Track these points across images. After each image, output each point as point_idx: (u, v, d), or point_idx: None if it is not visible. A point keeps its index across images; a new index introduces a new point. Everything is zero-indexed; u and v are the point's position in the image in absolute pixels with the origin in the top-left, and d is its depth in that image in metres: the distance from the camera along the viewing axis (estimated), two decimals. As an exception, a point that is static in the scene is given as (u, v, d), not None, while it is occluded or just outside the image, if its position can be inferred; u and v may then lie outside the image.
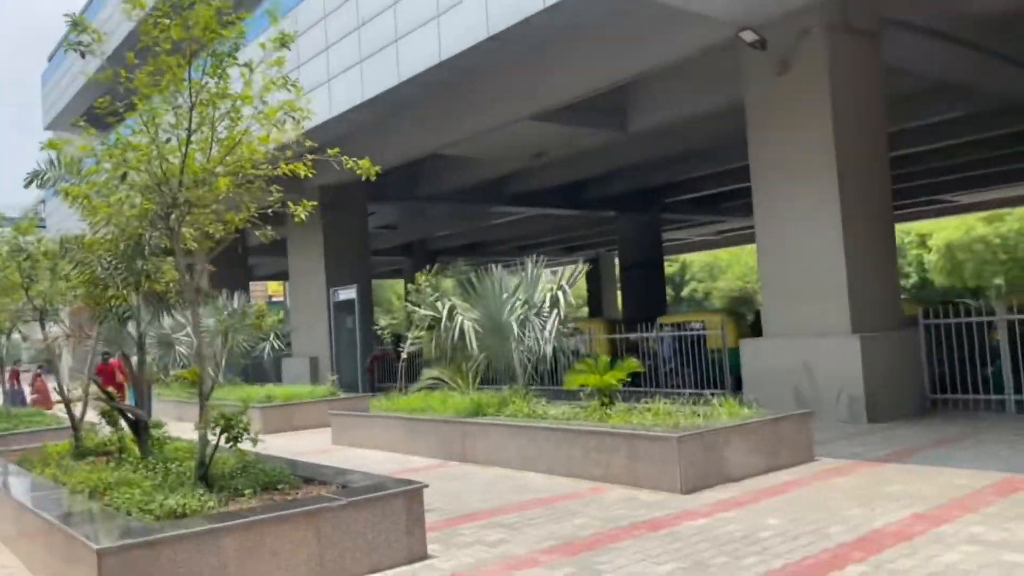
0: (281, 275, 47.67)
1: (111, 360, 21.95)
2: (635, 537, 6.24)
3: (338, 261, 24.05)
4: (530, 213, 34.11)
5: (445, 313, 10.84)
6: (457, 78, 16.00)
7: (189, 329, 20.22)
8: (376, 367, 23.20)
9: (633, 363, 9.91)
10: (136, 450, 8.50)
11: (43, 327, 9.13)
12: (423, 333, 13.39)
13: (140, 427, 7.78)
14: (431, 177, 27.24)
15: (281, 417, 15.56)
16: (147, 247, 7.58)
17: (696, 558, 5.63)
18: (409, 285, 13.36)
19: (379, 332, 14.81)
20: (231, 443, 6.49)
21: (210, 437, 6.55)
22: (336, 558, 5.52)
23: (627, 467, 8.20)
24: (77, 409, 9.45)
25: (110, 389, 14.34)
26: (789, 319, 12.64)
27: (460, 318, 10.66)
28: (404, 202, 28.95)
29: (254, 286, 44.68)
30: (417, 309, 11.62)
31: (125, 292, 7.43)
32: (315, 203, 7.24)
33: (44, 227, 20.85)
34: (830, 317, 12.07)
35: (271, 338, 19.45)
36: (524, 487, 8.51)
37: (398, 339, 25.93)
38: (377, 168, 7.25)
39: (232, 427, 6.44)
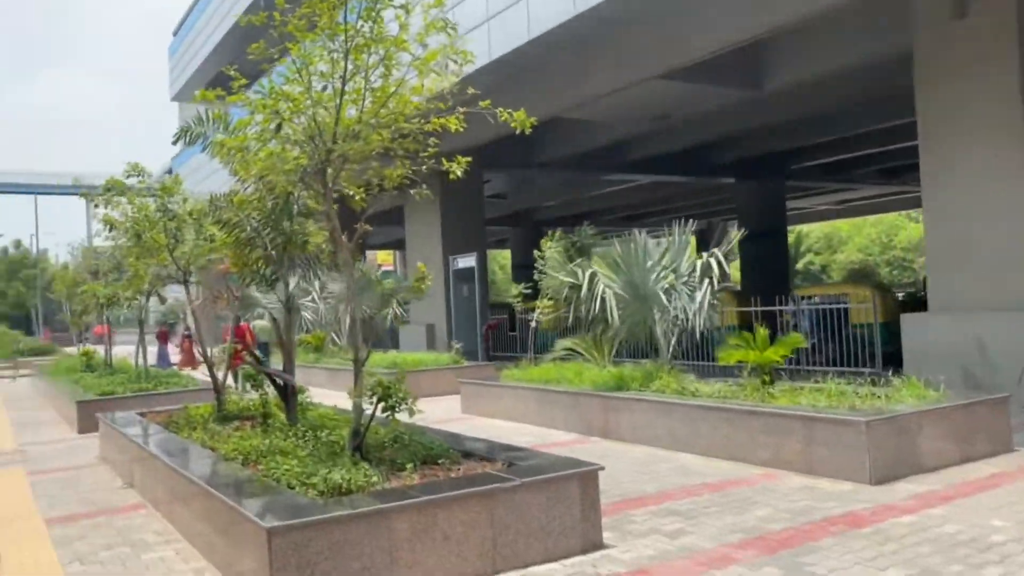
0: (390, 244, 48.19)
1: (242, 323, 22.46)
2: (835, 535, 5.49)
3: (454, 229, 23.78)
4: (643, 181, 32.98)
5: (585, 281, 10.19)
6: (586, 35, 15.20)
7: (314, 294, 20.61)
8: (490, 336, 22.92)
9: (797, 338, 9.05)
10: (281, 416, 8.31)
11: (187, 289, 9.02)
12: (549, 302, 12.87)
13: (288, 392, 7.52)
14: (545, 144, 26.56)
15: (412, 383, 15.33)
16: (295, 206, 7.26)
17: (922, 564, 4.84)
18: (537, 252, 12.80)
19: (510, 300, 14.30)
20: (388, 412, 6.09)
21: (365, 406, 6.19)
22: (509, 543, 5.02)
23: (802, 452, 7.40)
24: (218, 372, 9.37)
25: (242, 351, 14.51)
26: (960, 291, 11.39)
27: (601, 286, 10.00)
28: (515, 170, 28.34)
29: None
30: (555, 276, 11.01)
31: (273, 253, 7.12)
32: (469, 159, 6.70)
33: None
34: (1010, 289, 10.79)
35: (393, 305, 19.31)
36: (683, 469, 7.85)
37: (512, 309, 25.66)
38: (533, 120, 6.68)
39: (390, 395, 6.03)
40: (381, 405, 6.07)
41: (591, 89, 17.54)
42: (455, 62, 5.97)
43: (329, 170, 6.00)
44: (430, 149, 6.54)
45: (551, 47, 15.20)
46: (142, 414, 10.10)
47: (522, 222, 43.75)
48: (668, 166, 29.39)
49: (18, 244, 75.07)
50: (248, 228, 7.07)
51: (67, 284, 21.91)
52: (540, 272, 11.93)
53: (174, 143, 7.06)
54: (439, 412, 13.07)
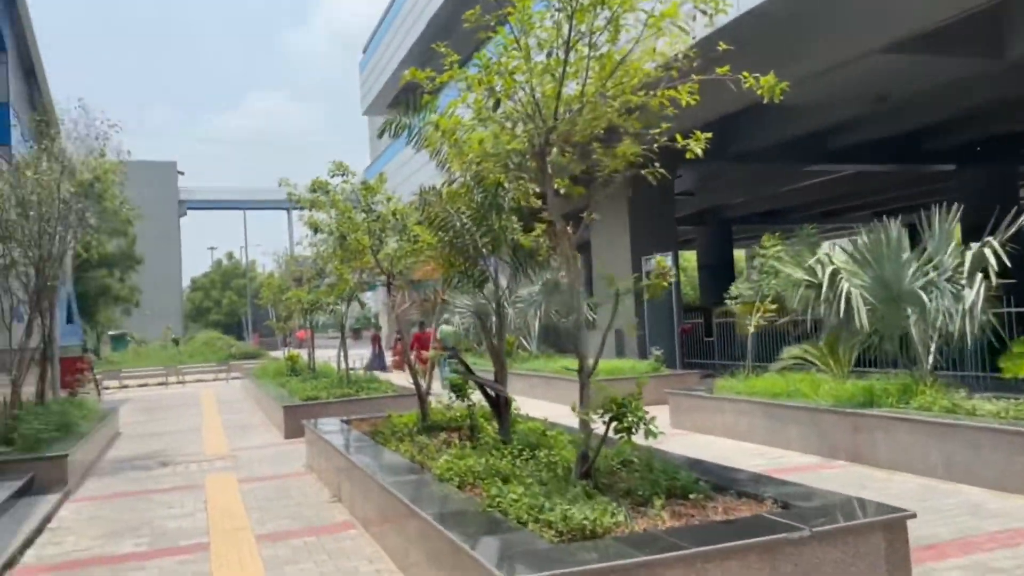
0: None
1: (427, 329, 22.49)
2: None
3: (643, 228, 22.68)
4: (846, 172, 30.19)
5: (826, 278, 8.78)
6: (800, 6, 13.63)
7: (488, 297, 20.17)
8: (684, 341, 21.54)
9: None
10: (489, 429, 7.63)
11: (390, 292, 8.60)
12: (771, 305, 11.50)
13: (501, 405, 6.81)
14: (739, 133, 24.78)
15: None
16: (504, 200, 6.53)
17: None
18: (758, 249, 11.48)
19: (727, 300, 13.06)
20: (621, 434, 5.17)
21: (594, 425, 5.32)
22: (797, 611, 3.93)
23: None
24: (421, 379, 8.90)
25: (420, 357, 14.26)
26: None
27: (845, 285, 8.57)
28: (705, 164, 26.64)
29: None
30: (788, 274, 9.66)
31: (484, 251, 6.44)
32: (710, 135, 5.67)
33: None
34: None
35: (584, 309, 18.51)
36: (975, 507, 6.35)
37: (707, 312, 24.09)
38: (784, 84, 5.56)
39: (625, 414, 5.12)
40: (614, 425, 5.18)
41: (804, 68, 15.82)
42: (704, 12, 4.96)
43: (553, 150, 5.17)
44: (663, 124, 5.58)
45: (762, 21, 13.77)
46: (347, 422, 9.85)
47: (708, 220, 41.61)
48: (877, 154, 26.62)
49: (230, 256, 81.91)
50: (456, 225, 6.43)
51: (273, 291, 22.99)
52: (763, 272, 10.61)
53: (379, 136, 6.56)
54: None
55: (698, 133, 5.63)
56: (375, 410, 12.85)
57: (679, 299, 19.66)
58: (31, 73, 14.49)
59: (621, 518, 4.34)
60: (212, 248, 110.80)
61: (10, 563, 6.04)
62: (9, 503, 7.85)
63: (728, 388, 10.96)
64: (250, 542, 6.36)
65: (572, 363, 15.85)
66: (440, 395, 14.47)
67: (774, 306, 11.14)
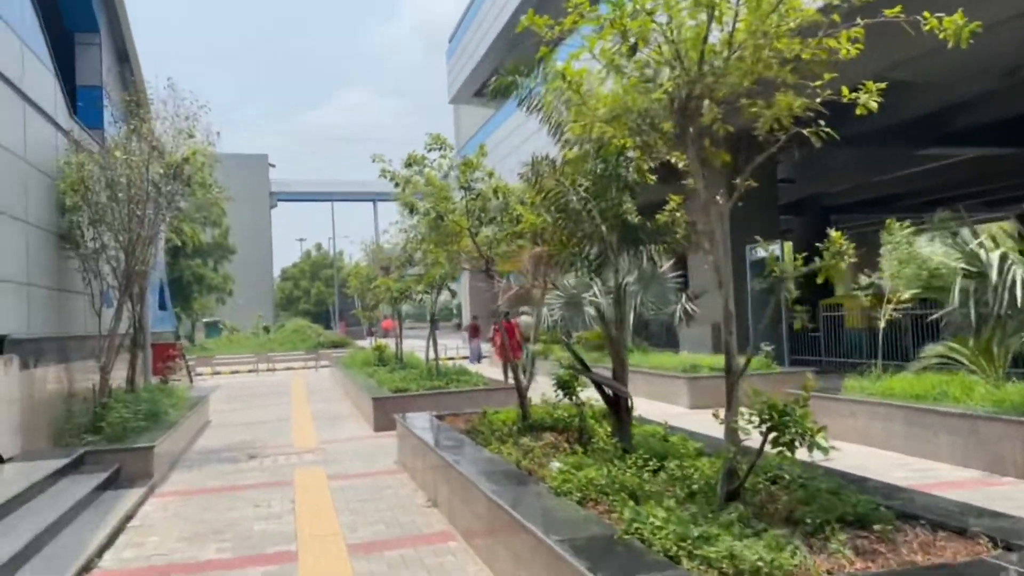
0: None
1: (512, 320, 21.75)
2: None
3: (744, 215, 21.30)
4: (964, 156, 27.96)
5: (995, 265, 7.60)
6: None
7: (596, 288, 19.23)
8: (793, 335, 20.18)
9: None
10: (600, 431, 6.82)
11: (490, 277, 7.87)
12: (904, 295, 10.27)
13: (621, 407, 5.98)
14: (846, 115, 23.12)
15: (710, 391, 13.46)
16: (627, 171, 5.68)
17: None
18: (886, 236, 10.28)
19: (857, 292, 11.85)
20: (781, 449, 4.28)
21: (743, 434, 4.45)
22: None
23: None
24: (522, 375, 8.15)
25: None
26: None
27: (1020, 272, 7.37)
28: (808, 148, 25.01)
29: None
30: (945, 262, 8.48)
31: (603, 229, 5.61)
32: (884, 85, 4.71)
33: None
34: None
35: (683, 300, 17.47)
36: None
37: (814, 306, 22.57)
38: (975, 25, 4.57)
39: (787, 424, 4.22)
40: (773, 436, 4.28)
41: (928, 38, 14.33)
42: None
43: (704, 103, 4.30)
44: (826, 75, 4.66)
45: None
46: (440, 417, 9.21)
47: (807, 210, 39.56)
48: (1002, 137, 24.51)
49: (319, 247, 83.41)
50: (572, 199, 5.62)
51: (360, 280, 22.71)
52: (902, 262, 9.42)
53: (491, 97, 5.79)
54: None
55: (870, 83, 4.69)
56: (466, 404, 12.23)
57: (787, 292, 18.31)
58: (124, 57, 14.40)
59: (803, 559, 3.45)
60: (301, 239, 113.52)
61: (87, 567, 5.58)
62: (94, 495, 7.49)
63: (859, 389, 9.81)
64: (341, 552, 5.73)
65: (669, 359, 14.84)
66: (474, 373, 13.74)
67: (907, 296, 9.92)
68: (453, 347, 32.86)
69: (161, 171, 10.37)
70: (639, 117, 4.83)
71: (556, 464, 5.93)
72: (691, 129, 4.59)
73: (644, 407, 12.03)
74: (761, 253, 17.99)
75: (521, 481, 5.54)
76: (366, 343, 42.80)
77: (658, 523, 3.86)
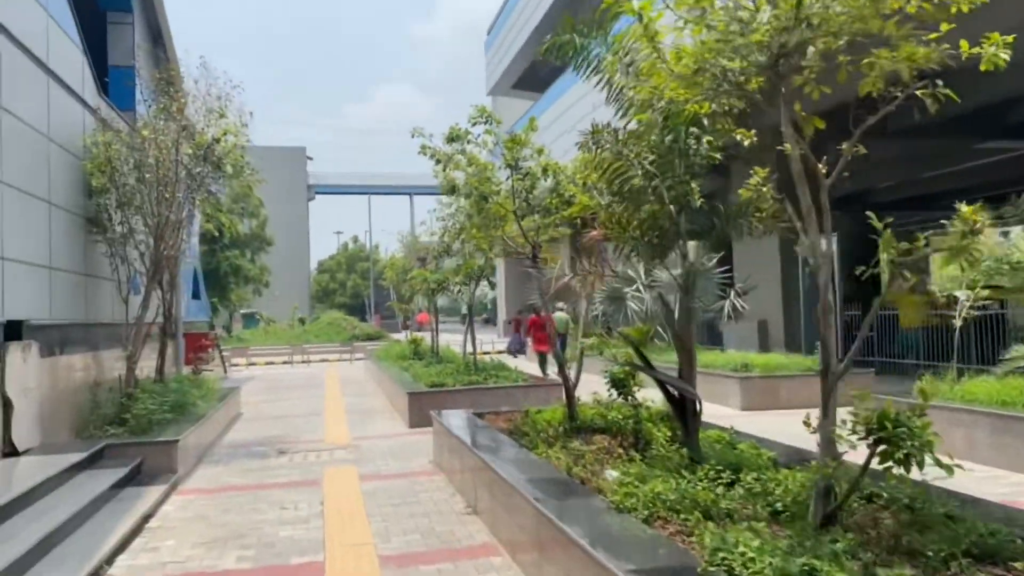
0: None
1: (543, 314, 20.96)
2: None
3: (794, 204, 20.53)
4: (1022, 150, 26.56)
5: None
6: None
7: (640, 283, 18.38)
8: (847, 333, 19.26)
9: None
10: (657, 434, 6.18)
11: (535, 264, 7.25)
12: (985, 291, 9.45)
13: (688, 410, 5.33)
14: (903, 105, 22.02)
15: (764, 392, 12.72)
16: (699, 144, 5.02)
17: None
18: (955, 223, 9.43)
19: (935, 291, 11.03)
20: (891, 465, 3.61)
21: (845, 446, 3.79)
22: None
23: None
24: (569, 370, 7.52)
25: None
26: None
27: None
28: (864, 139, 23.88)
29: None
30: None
31: (672, 209, 4.96)
32: (1011, 38, 4.02)
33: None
34: None
35: (732, 296, 16.67)
36: None
37: (866, 304, 21.61)
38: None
39: (901, 438, 3.55)
40: (881, 449, 3.62)
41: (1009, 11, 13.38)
42: None
43: (809, 50, 3.64)
44: (944, 26, 3.98)
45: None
46: (479, 415, 8.62)
47: (850, 206, 38.17)
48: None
49: (355, 240, 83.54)
50: (637, 174, 4.97)
51: (396, 271, 22.26)
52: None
53: (543, 54, 5.16)
54: (785, 428, 10.29)
55: (995, 35, 4.00)
56: (505, 401, 11.64)
57: (844, 288, 17.44)
58: (157, 38, 14.02)
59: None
60: (338, 232, 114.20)
61: (95, 574, 5.09)
62: (112, 492, 7.04)
63: (934, 394, 8.99)
64: (373, 566, 5.16)
65: (716, 357, 14.08)
66: (555, 380, 13.05)
67: (985, 293, 9.10)
68: (488, 341, 32.35)
69: (191, 152, 9.92)
70: (720, 77, 4.18)
71: (612, 473, 5.31)
72: (783, 88, 3.93)
73: (719, 411, 11.36)
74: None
75: (573, 491, 4.93)
76: (401, 336, 42.52)
77: (750, 553, 3.21)
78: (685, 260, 5.37)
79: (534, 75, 38.09)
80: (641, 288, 16.37)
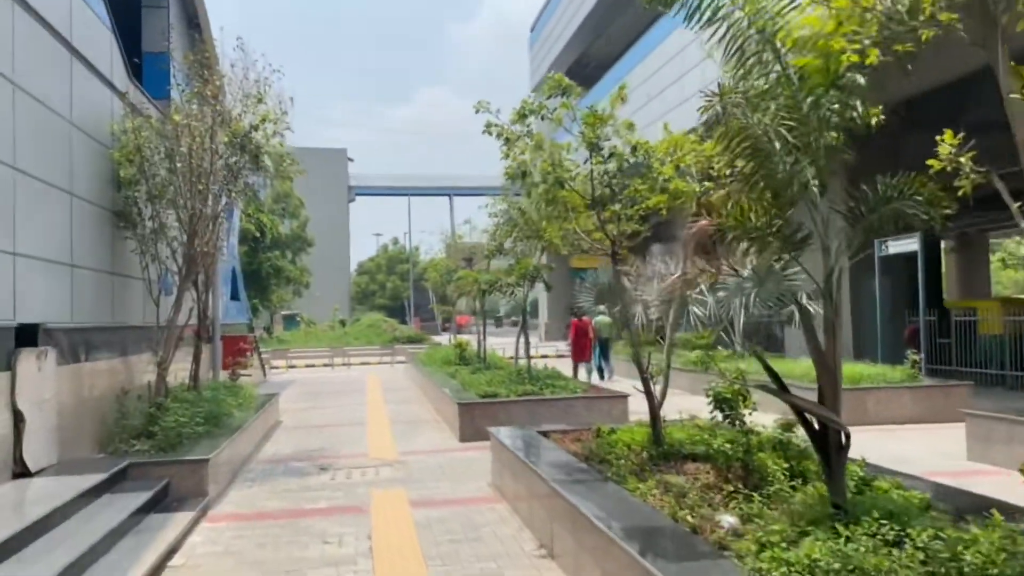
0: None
1: (584, 317, 19.72)
2: None
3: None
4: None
5: None
6: None
7: (702, 286, 17.23)
8: (916, 341, 17.89)
9: None
10: (771, 466, 5.12)
11: (615, 262, 6.23)
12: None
13: (832, 444, 4.28)
14: (983, 98, 20.56)
15: (850, 406, 11.47)
16: (849, 109, 3.96)
17: None
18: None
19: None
20: None
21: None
22: None
23: None
24: (654, 384, 6.48)
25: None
26: None
27: None
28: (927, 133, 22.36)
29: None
30: None
31: (814, 185, 3.92)
32: None
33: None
34: None
35: (803, 299, 15.44)
36: None
37: (946, 311, 20.16)
38: None
39: None
40: None
41: None
42: None
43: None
44: None
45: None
46: (544, 433, 7.63)
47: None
48: None
49: (395, 241, 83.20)
50: (776, 147, 3.94)
51: (439, 273, 21.41)
52: None
53: (648, 5, 4.16)
54: (919, 452, 9.15)
55: None
56: (565, 415, 10.64)
57: (930, 293, 16.11)
58: (194, 23, 13.31)
59: None
60: (378, 234, 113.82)
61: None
62: (134, 520, 6.18)
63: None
64: (434, 630, 4.21)
65: (791, 366, 12.92)
66: (587, 385, 11.93)
67: None
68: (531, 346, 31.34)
69: (227, 140, 9.10)
70: (890, 13, 3.15)
71: (729, 519, 4.29)
72: (1002, 16, 2.87)
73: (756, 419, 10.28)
74: (892, 248, 15.82)
75: (688, 545, 3.91)
76: (441, 339, 41.72)
77: None
78: (828, 256, 4.31)
79: (582, 69, 37.06)
80: (704, 291, 14.68)
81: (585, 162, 5.76)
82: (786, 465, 5.12)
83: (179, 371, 11.01)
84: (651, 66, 23.88)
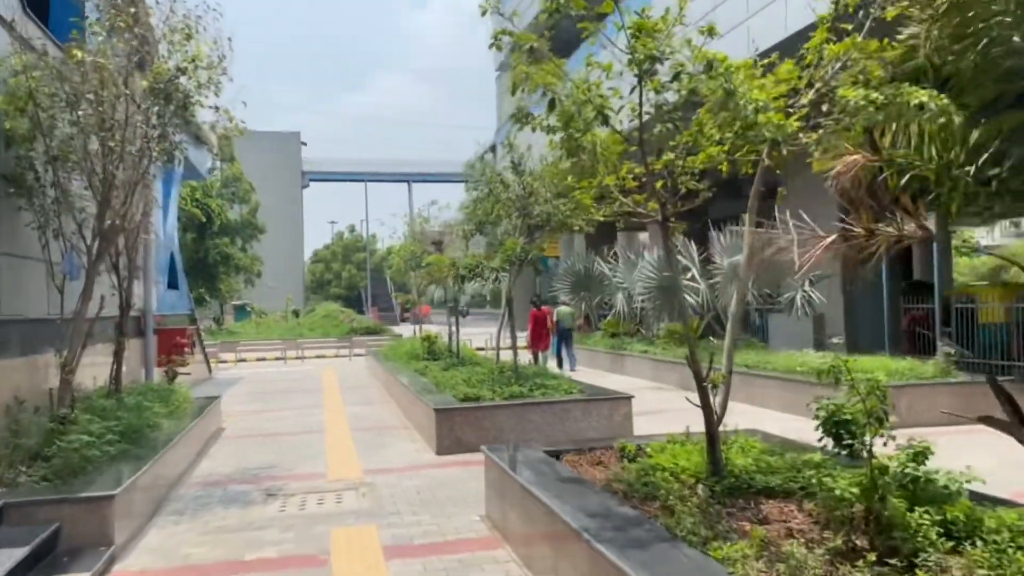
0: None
1: (543, 307, 18.28)
2: None
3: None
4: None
5: None
6: None
7: (694, 269, 15.91)
8: (914, 331, 16.70)
9: None
10: (918, 524, 3.59)
11: (664, 233, 4.63)
12: None
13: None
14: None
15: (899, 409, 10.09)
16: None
17: None
18: None
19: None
20: None
21: None
22: None
23: None
24: (715, 395, 4.90)
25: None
26: None
27: None
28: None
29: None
30: None
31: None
32: None
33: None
34: None
35: (805, 286, 14.14)
36: None
37: (947, 298, 19.05)
38: None
39: None
40: None
41: None
42: None
43: None
44: None
45: None
46: (554, 454, 6.02)
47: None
48: None
49: (352, 229, 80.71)
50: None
51: (403, 258, 19.62)
52: None
53: None
54: (990, 464, 7.70)
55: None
56: (562, 421, 9.05)
57: (944, 279, 14.86)
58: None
59: None
60: (333, 222, 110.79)
61: None
62: (3, 588, 4.43)
63: None
64: None
65: (792, 359, 11.52)
66: (561, 376, 10.43)
67: None
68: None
69: (146, 84, 7.26)
70: None
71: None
72: None
73: (779, 423, 8.84)
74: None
75: None
76: (402, 330, 39.75)
77: None
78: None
79: (557, 37, 35.04)
80: (697, 276, 13.12)
81: (632, 91, 4.13)
82: (935, 517, 3.58)
83: (99, 374, 9.17)
84: None
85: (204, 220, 38.58)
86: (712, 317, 15.92)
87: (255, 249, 48.21)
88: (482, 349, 19.34)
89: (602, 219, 6.70)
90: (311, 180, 79.67)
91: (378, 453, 9.07)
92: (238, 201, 47.61)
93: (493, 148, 40.17)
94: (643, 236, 43.42)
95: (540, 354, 17.38)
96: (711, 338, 15.30)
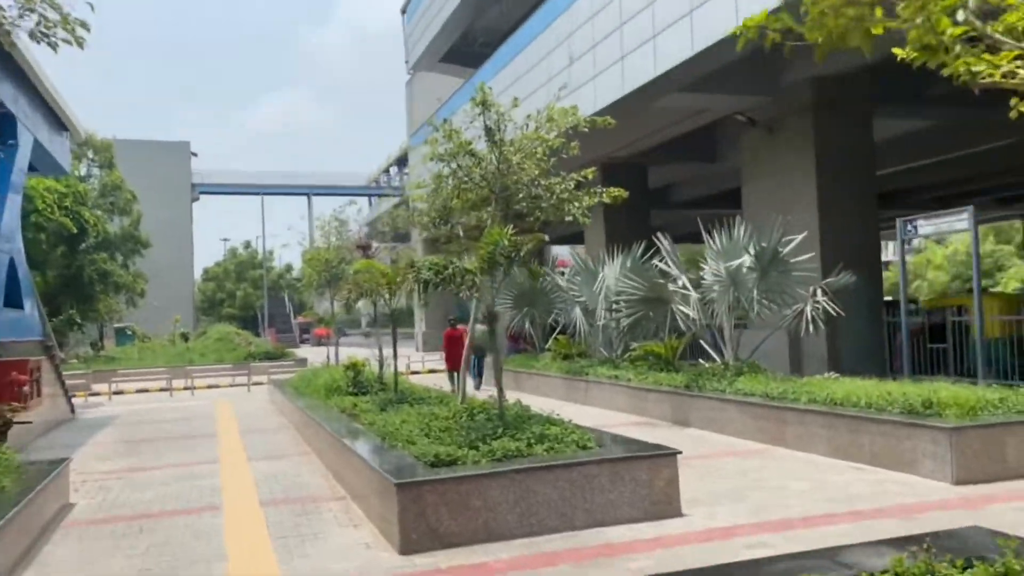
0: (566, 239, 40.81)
1: (459, 326, 16.12)
2: None
3: (833, 190, 16.29)
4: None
5: None
6: None
7: (683, 279, 13.33)
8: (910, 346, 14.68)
9: None
10: None
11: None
12: None
13: None
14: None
15: (984, 452, 7.70)
16: None
17: None
18: None
19: None
20: None
21: None
22: None
23: None
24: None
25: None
26: None
27: None
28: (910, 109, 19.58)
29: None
30: None
31: None
32: None
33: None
34: None
35: (818, 296, 11.84)
36: None
37: (943, 311, 17.30)
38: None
39: None
40: None
41: None
42: None
43: None
44: None
45: None
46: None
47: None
48: None
49: (247, 245, 75.52)
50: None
51: (317, 268, 16.36)
52: None
53: None
54: None
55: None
56: (583, 492, 6.19)
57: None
58: None
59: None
60: (225, 239, 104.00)
61: None
62: None
63: None
64: None
65: (795, 385, 9.02)
66: (473, 396, 8.14)
67: None
68: (415, 358, 26.53)
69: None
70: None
71: None
72: None
73: (847, 480, 6.35)
74: (927, 228, 12.43)
75: None
76: (306, 353, 35.91)
77: None
78: None
79: (468, 46, 32.63)
80: (688, 287, 9.78)
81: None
82: None
83: None
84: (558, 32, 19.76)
85: (76, 231, 33.76)
86: (691, 336, 13.46)
87: (139, 266, 43.27)
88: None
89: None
90: (202, 192, 74.06)
91: (305, 550, 5.94)
92: (118, 212, 42.59)
93: (402, 160, 37.15)
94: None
95: (456, 374, 16.46)
96: (701, 360, 12.80)
